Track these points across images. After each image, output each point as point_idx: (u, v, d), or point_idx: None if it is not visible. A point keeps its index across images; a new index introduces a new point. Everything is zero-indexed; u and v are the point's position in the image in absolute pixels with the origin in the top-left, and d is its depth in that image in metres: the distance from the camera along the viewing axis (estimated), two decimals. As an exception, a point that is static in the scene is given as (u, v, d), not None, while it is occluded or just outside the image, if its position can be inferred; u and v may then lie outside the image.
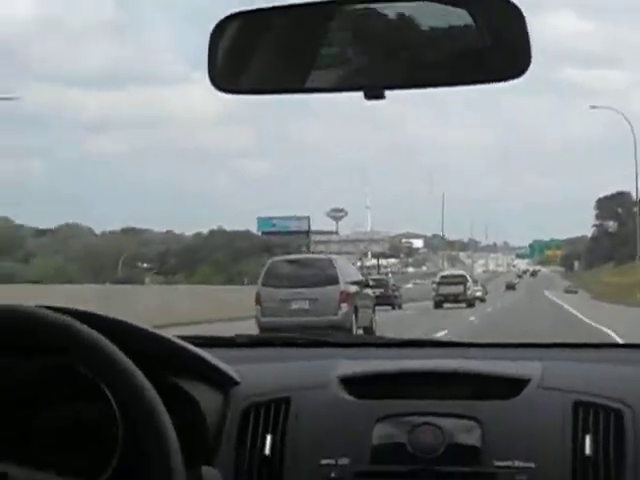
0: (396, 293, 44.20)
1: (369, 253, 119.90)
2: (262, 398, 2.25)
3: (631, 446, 2.07)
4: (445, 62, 1.78)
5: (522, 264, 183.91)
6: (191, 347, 2.19)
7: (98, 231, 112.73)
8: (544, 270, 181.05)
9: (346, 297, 20.93)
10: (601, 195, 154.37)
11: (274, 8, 1.83)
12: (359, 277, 23.17)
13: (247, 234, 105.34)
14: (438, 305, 44.70)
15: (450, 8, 1.77)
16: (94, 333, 1.71)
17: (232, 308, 33.85)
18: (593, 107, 75.42)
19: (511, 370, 2.30)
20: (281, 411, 2.23)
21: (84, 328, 1.72)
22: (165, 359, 2.10)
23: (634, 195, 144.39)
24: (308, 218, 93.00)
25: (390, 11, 1.79)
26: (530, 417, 2.17)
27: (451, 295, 45.96)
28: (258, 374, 2.38)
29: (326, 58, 1.82)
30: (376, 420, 2.15)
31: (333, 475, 2.12)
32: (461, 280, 48.86)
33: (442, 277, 50.39)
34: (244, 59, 1.83)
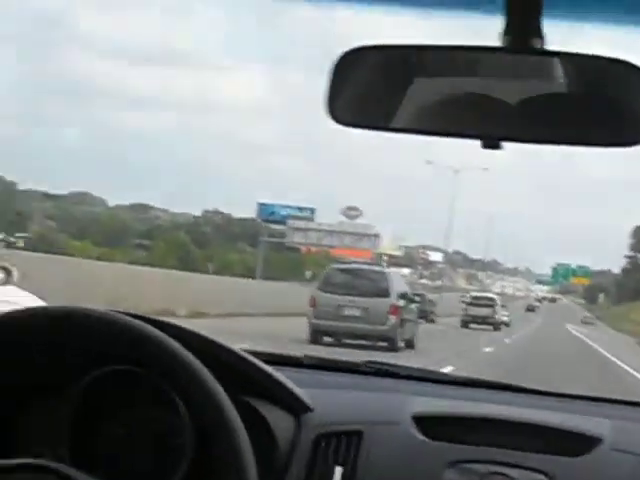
0: (432, 309, 45.55)
1: (383, 258, 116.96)
2: (335, 428, 2.25)
3: None
4: (564, 121, 1.80)
5: (541, 291, 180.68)
6: (265, 367, 2.21)
7: (112, 204, 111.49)
8: (564, 300, 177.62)
9: (395, 310, 23.57)
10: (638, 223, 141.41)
11: (398, 46, 1.84)
12: (407, 291, 24.85)
13: (228, 218, 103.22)
14: (465, 325, 47.16)
15: (574, 65, 1.79)
16: (179, 347, 1.75)
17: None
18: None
19: (582, 426, 2.30)
20: (352, 444, 2.23)
21: (168, 340, 1.75)
22: (236, 374, 2.13)
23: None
24: (312, 210, 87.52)
25: (514, 61, 1.81)
26: (600, 477, 2.19)
27: (479, 317, 48.29)
28: (330, 402, 2.38)
29: (445, 102, 1.83)
30: (447, 464, 2.16)
31: None
32: (491, 303, 50.78)
33: (473, 298, 52.28)
34: (363, 93, 1.84)
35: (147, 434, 1.94)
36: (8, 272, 12.73)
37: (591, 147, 1.79)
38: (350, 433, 2.24)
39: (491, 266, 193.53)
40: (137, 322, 1.76)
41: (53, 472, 1.64)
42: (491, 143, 1.79)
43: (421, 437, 2.24)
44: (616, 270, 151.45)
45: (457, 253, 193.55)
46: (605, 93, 1.77)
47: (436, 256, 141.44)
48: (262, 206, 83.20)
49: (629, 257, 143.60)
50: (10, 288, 12.26)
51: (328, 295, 23.51)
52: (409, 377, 2.80)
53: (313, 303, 23.69)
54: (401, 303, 23.98)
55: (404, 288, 25.89)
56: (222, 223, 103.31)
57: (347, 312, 23.40)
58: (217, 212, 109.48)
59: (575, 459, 2.20)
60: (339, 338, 23.38)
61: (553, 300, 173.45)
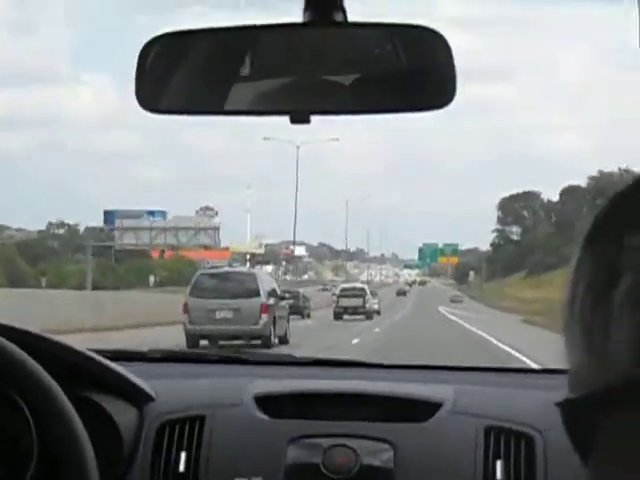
0: (306, 304, 46.38)
1: (247, 256, 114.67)
2: (177, 415, 2.31)
3: (541, 471, 2.15)
4: (370, 89, 1.83)
5: (410, 275, 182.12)
6: (105, 360, 2.24)
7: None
8: (434, 282, 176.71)
9: (266, 308, 24.04)
10: (505, 195, 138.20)
11: (200, 30, 1.86)
12: (277, 290, 25.61)
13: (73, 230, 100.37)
14: (338, 316, 48.37)
15: (377, 35, 1.84)
16: (4, 341, 1.74)
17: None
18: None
19: (423, 393, 2.39)
20: (196, 429, 2.29)
21: (2, 341, 1.73)
22: (78, 371, 2.15)
23: (543, 195, 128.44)
24: (163, 212, 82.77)
25: (315, 36, 1.84)
26: (442, 441, 2.25)
27: (351, 307, 49.64)
28: (173, 390, 2.45)
29: (251, 81, 1.87)
30: (290, 440, 2.22)
31: None
32: (361, 293, 52.03)
33: (342, 290, 53.28)
34: (170, 80, 1.85)
35: None
36: None
37: (400, 113, 1.86)
38: (192, 418, 2.32)
39: (357, 255, 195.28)
40: None
41: None
42: (299, 117, 1.81)
43: (263, 416, 2.32)
44: (484, 247, 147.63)
45: (322, 245, 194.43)
46: (409, 59, 1.81)
47: (300, 250, 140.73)
48: (107, 213, 79.45)
49: (497, 231, 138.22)
50: None
51: (200, 300, 23.98)
52: (255, 362, 2.91)
53: (186, 309, 24.18)
54: (271, 301, 24.66)
55: (273, 286, 26.62)
56: (67, 234, 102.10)
57: (219, 315, 24.00)
58: (62, 224, 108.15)
59: (417, 425, 2.30)
60: (215, 340, 23.95)
61: (423, 283, 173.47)
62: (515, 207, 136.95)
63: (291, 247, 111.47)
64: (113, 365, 2.29)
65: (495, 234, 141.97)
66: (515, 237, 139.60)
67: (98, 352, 2.34)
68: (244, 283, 25.18)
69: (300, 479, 2.23)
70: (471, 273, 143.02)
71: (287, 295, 30.49)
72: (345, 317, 48.57)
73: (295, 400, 2.40)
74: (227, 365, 2.87)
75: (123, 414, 2.26)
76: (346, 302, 51.09)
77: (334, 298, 52.96)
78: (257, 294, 24.68)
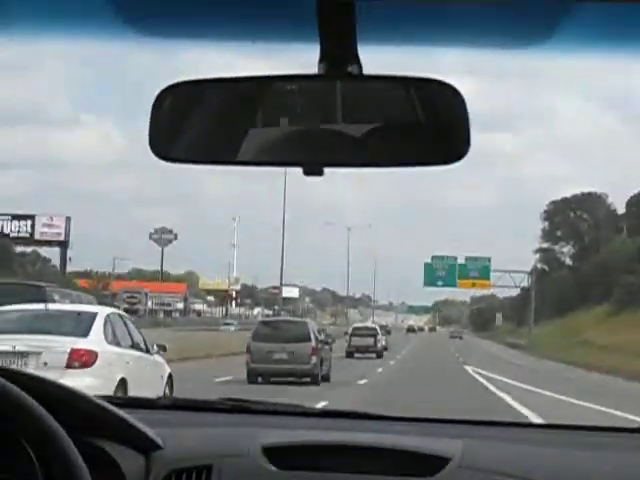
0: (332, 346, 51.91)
1: (233, 302, 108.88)
2: (185, 464, 2.44)
3: None
4: (384, 143, 1.89)
5: (415, 320, 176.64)
6: (112, 408, 2.38)
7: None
8: (442, 331, 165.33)
9: (315, 351, 31.68)
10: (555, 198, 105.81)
11: (215, 80, 1.92)
12: (322, 336, 30.73)
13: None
14: (350, 355, 55.44)
15: (391, 88, 1.90)
16: (13, 387, 1.84)
17: None
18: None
19: (432, 447, 2.50)
20: (202, 478, 2.41)
21: (9, 385, 1.82)
22: (86, 418, 2.27)
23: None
24: (33, 217, 77.70)
25: (330, 87, 1.89)
26: None
27: (362, 347, 56.44)
28: (181, 439, 2.58)
29: (264, 132, 1.93)
30: None
31: None
32: (372, 333, 58.48)
33: (354, 329, 60.01)
34: (184, 128, 1.90)
35: None
36: None
37: (413, 167, 1.93)
38: (200, 468, 2.48)
39: (363, 302, 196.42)
40: None
41: None
42: (313, 170, 1.90)
43: (271, 467, 2.48)
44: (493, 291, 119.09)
45: (325, 290, 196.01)
46: (424, 113, 1.89)
47: (292, 292, 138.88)
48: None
49: (543, 251, 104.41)
50: None
51: (259, 343, 31.99)
52: (263, 412, 3.09)
53: (249, 350, 31.97)
54: (319, 346, 32.80)
55: (318, 332, 35.53)
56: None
57: (276, 356, 32.07)
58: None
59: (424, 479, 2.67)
60: (270, 377, 31.99)
61: (433, 329, 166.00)
62: (569, 215, 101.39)
63: (283, 288, 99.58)
64: (121, 412, 2.49)
65: (538, 255, 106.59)
66: (568, 259, 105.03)
67: (107, 399, 2.59)
68: (297, 329, 32.94)
69: None
70: (498, 316, 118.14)
71: (329, 340, 35.39)
72: (357, 355, 55.19)
73: (303, 452, 2.57)
74: (236, 414, 3.07)
75: (130, 461, 2.45)
76: (358, 341, 57.47)
77: (346, 337, 59.46)
78: (308, 339, 32.55)
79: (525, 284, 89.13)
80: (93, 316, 16.13)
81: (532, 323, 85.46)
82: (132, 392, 15.45)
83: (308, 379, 31.67)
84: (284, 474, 2.46)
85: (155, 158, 1.93)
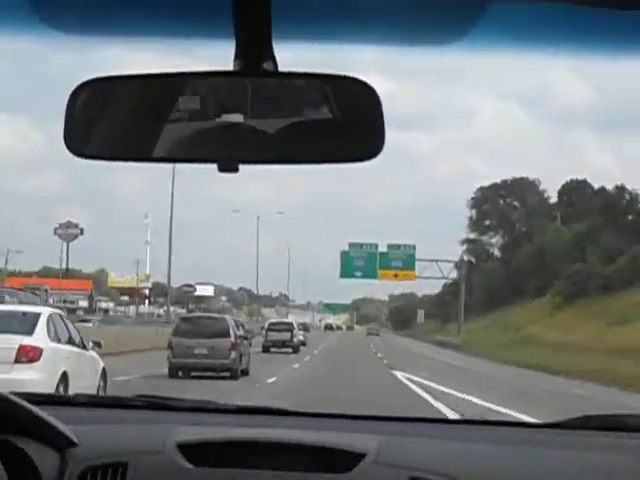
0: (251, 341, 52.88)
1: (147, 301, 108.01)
2: (100, 461, 2.45)
3: None
4: (299, 139, 1.89)
5: (334, 320, 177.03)
6: (27, 405, 2.37)
7: None
8: (359, 330, 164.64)
9: (234, 346, 33.36)
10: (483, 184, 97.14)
11: (130, 76, 1.90)
12: (242, 331, 31.73)
13: None
14: (266, 350, 56.84)
15: (307, 85, 1.90)
16: None
17: None
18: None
19: (347, 443, 2.55)
20: (118, 475, 2.43)
21: None
22: (2, 416, 2.23)
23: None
24: None
25: (245, 84, 1.90)
26: None
27: (279, 341, 57.86)
28: (96, 436, 2.60)
29: (179, 129, 1.92)
30: None
31: None
32: (288, 327, 59.78)
33: (271, 324, 61.38)
34: (99, 125, 1.89)
35: None
36: None
37: (328, 163, 1.92)
38: (115, 465, 2.51)
39: (279, 301, 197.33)
40: None
41: None
42: (227, 166, 1.91)
43: (186, 464, 2.53)
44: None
45: (242, 289, 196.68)
46: (339, 110, 1.90)
47: (207, 290, 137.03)
48: None
49: (469, 242, 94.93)
50: None
51: (180, 339, 33.55)
52: (179, 408, 3.13)
53: (170, 345, 33.66)
54: (238, 341, 34.69)
55: (238, 327, 34.16)
56: None
57: (197, 351, 33.61)
58: None
59: (339, 475, 2.51)
60: (190, 372, 33.58)
61: (351, 328, 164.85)
62: (498, 203, 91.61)
63: (188, 287, 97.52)
64: (36, 410, 2.49)
65: (465, 247, 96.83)
66: (497, 251, 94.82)
67: (22, 396, 2.57)
68: (217, 325, 34.54)
69: None
70: (420, 313, 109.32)
71: (249, 335, 36.33)
72: (273, 350, 56.58)
73: (217, 448, 2.62)
74: (151, 411, 3.12)
75: (45, 458, 2.45)
76: (275, 336, 58.64)
77: (262, 332, 60.65)
78: (228, 334, 34.25)
79: (454, 275, 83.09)
80: (37, 316, 18.15)
81: (462, 319, 79.49)
82: (72, 384, 17.42)
83: (227, 373, 32.88)
84: (199, 470, 2.55)
85: (70, 155, 1.93)
